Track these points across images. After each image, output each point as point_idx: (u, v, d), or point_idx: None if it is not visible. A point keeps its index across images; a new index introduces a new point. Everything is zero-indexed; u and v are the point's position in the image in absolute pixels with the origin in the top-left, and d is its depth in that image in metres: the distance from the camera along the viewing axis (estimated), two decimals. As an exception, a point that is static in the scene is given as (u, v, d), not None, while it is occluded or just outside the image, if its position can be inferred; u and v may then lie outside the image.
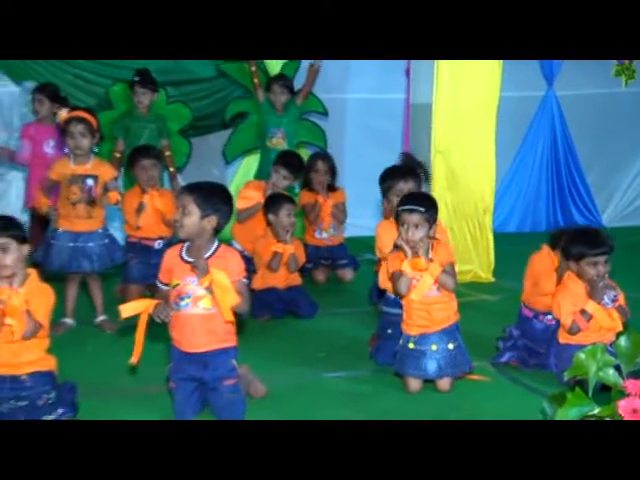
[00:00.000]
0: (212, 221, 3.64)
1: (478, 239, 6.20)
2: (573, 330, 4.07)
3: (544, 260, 4.47)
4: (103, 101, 6.48)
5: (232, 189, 6.28)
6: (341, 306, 5.62)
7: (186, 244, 3.71)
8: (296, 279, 5.46)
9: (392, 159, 6.78)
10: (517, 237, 7.63)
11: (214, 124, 7.05)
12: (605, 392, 2.26)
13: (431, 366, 4.03)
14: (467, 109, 6.02)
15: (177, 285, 3.64)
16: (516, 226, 8.11)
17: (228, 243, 4.71)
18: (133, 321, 3.66)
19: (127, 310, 3.64)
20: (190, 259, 3.63)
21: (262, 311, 5.19)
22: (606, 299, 4.04)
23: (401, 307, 4.14)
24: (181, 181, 6.22)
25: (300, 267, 5.50)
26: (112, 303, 4.86)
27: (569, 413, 2.19)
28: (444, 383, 4.06)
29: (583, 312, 4.04)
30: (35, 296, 3.51)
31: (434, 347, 4.04)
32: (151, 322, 3.62)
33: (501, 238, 6.55)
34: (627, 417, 2.15)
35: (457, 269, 5.91)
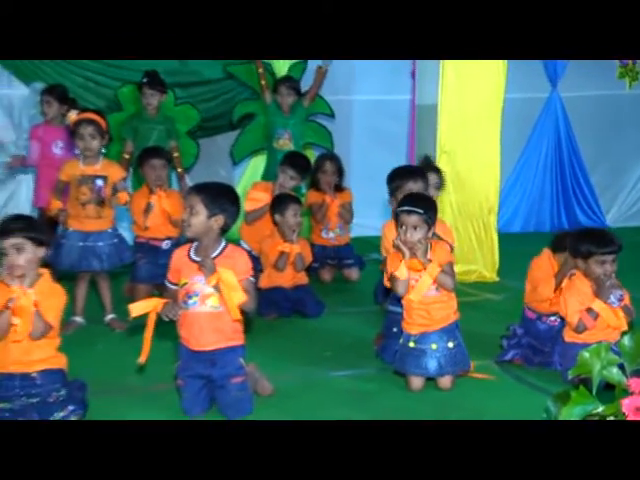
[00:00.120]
0: (219, 220, 3.64)
1: (483, 239, 6.20)
2: (579, 328, 4.06)
3: (543, 265, 4.47)
4: (112, 103, 6.50)
5: (239, 190, 6.28)
6: (347, 305, 5.63)
7: (194, 244, 3.72)
8: (303, 278, 5.46)
9: (398, 160, 6.82)
10: (521, 237, 7.62)
11: (222, 125, 7.06)
12: (609, 391, 2.26)
13: (431, 365, 4.03)
14: (472, 110, 6.01)
15: (185, 284, 3.65)
16: (520, 226, 8.11)
17: (236, 243, 4.72)
18: (142, 320, 3.67)
19: (136, 309, 3.65)
20: (198, 258, 3.63)
21: (269, 310, 5.20)
22: (612, 298, 4.03)
23: (405, 306, 4.15)
24: (189, 182, 6.23)
25: (307, 266, 5.50)
26: (121, 302, 4.89)
27: (573, 411, 2.18)
28: (445, 381, 4.06)
29: (590, 311, 4.03)
30: (46, 297, 3.52)
31: (434, 346, 4.04)
32: (159, 321, 3.63)
33: (505, 238, 6.55)
34: (630, 415, 2.14)
35: (462, 269, 6.03)
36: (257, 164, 7.02)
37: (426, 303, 4.03)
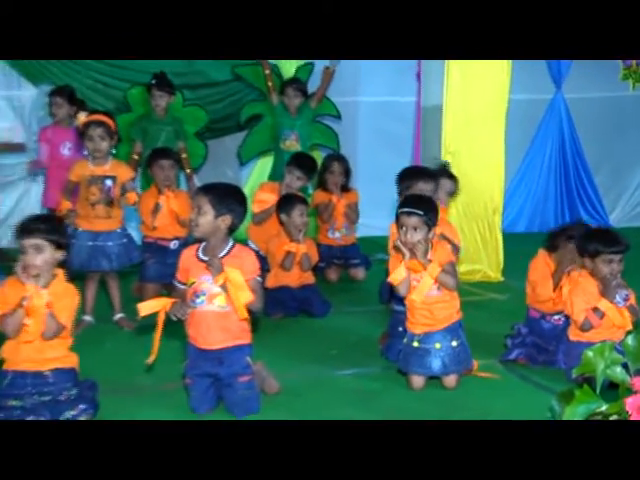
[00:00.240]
0: (226, 220, 3.65)
1: (487, 239, 6.19)
2: (585, 327, 4.06)
3: (539, 267, 4.46)
4: (121, 104, 6.51)
5: (246, 190, 6.29)
6: (353, 305, 5.62)
7: (202, 244, 3.72)
8: (309, 278, 5.46)
9: (403, 160, 6.82)
10: (526, 237, 7.60)
11: (229, 126, 7.06)
12: (613, 390, 2.25)
13: (435, 364, 4.03)
14: (477, 111, 6.01)
15: (193, 283, 3.66)
16: (525, 226, 8.09)
17: (244, 243, 4.72)
18: (150, 319, 3.67)
19: (145, 309, 3.66)
20: (205, 258, 3.64)
21: (275, 309, 5.20)
22: (618, 298, 4.04)
23: (410, 306, 4.14)
24: (197, 182, 6.23)
25: (313, 266, 5.50)
26: (129, 301, 4.89)
27: (577, 410, 2.18)
28: (450, 380, 4.06)
29: (595, 309, 4.04)
30: (60, 297, 3.53)
31: (438, 345, 4.04)
32: (168, 320, 3.64)
33: (510, 238, 6.54)
34: (634, 414, 2.14)
35: (467, 268, 6.02)
36: (264, 165, 7.02)
37: (428, 303, 4.02)
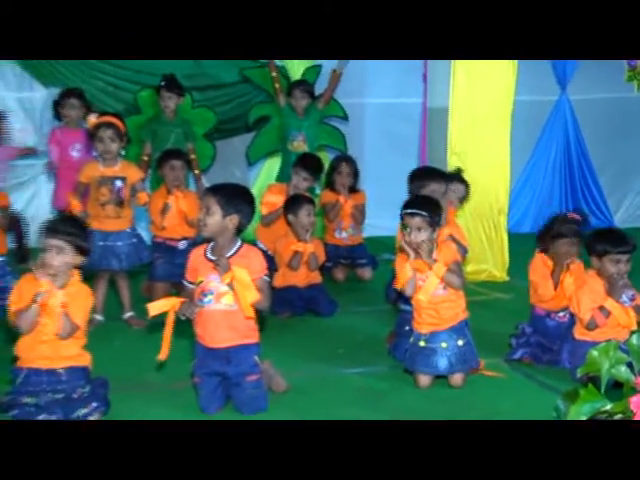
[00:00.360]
0: (234, 220, 3.65)
1: (493, 239, 6.19)
2: (591, 326, 4.06)
3: (538, 268, 4.46)
4: (130, 106, 6.51)
5: (254, 190, 6.28)
6: (360, 304, 5.62)
7: (211, 244, 3.73)
8: (316, 277, 5.46)
9: (410, 161, 6.82)
10: (531, 237, 7.50)
11: (238, 127, 7.07)
12: (617, 389, 2.24)
13: (442, 363, 4.03)
14: (482, 112, 6.00)
15: (201, 282, 3.66)
16: (530, 226, 8.04)
17: (252, 243, 4.72)
18: (159, 317, 3.68)
19: (154, 308, 3.67)
20: (213, 257, 3.64)
21: (283, 308, 5.20)
22: (624, 297, 4.05)
23: (417, 305, 4.14)
24: (205, 183, 6.24)
25: (320, 266, 5.50)
26: (139, 300, 4.90)
27: (582, 409, 2.17)
28: (457, 379, 4.06)
29: (602, 309, 4.05)
30: (75, 298, 3.54)
31: (444, 344, 4.04)
32: (176, 319, 3.64)
33: (515, 238, 6.53)
34: (638, 413, 2.13)
35: (472, 268, 6.01)
36: (272, 165, 7.02)
37: (435, 303, 4.02)
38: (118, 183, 4.87)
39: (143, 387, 4.04)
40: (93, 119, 4.87)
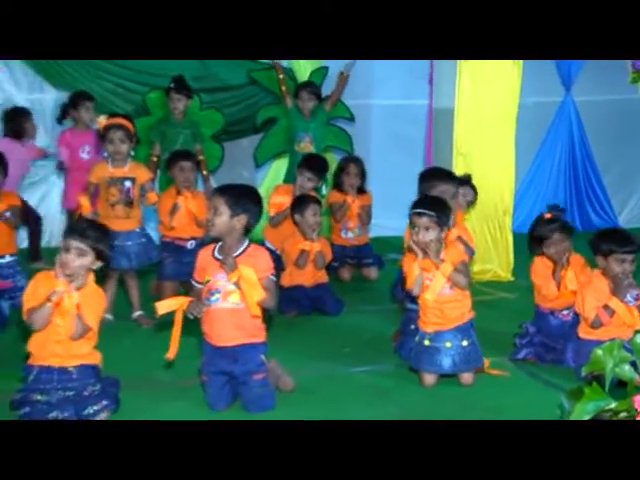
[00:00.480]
0: (242, 220, 3.66)
1: (498, 239, 6.19)
2: (595, 324, 4.07)
3: (539, 270, 4.46)
4: (139, 107, 6.53)
5: (262, 191, 6.29)
6: (366, 303, 5.62)
7: (219, 244, 3.73)
8: (323, 277, 5.46)
9: (416, 162, 6.82)
10: (535, 238, 7.56)
11: (245, 129, 7.08)
12: (621, 388, 2.24)
13: (446, 362, 4.03)
14: (488, 113, 6.00)
15: (208, 281, 3.67)
16: (535, 227, 8.05)
17: (260, 243, 4.73)
18: (168, 316, 3.69)
19: (162, 307, 3.68)
20: (220, 257, 3.65)
21: (289, 307, 5.20)
22: (629, 297, 4.06)
23: (423, 304, 4.14)
24: (213, 183, 6.25)
25: (327, 265, 5.50)
26: (148, 299, 4.91)
27: (586, 407, 2.17)
28: (467, 377, 4.06)
29: (606, 307, 4.05)
30: (88, 299, 3.55)
31: (448, 344, 4.04)
32: (185, 318, 3.65)
33: (520, 238, 6.48)
34: (643, 412, 2.13)
35: (478, 268, 6.00)
36: (279, 166, 7.03)
37: (441, 302, 4.02)
38: (127, 184, 4.89)
39: (152, 385, 4.05)
40: (103, 120, 4.89)
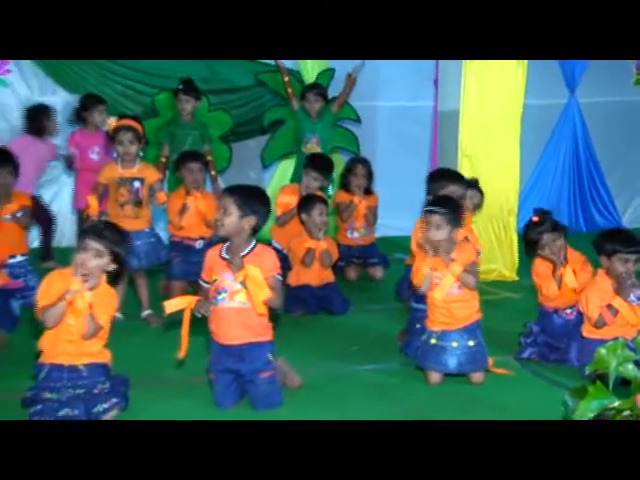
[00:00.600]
0: (251, 221, 3.67)
1: (502, 239, 6.18)
2: (599, 324, 4.06)
3: (540, 271, 4.46)
4: (148, 109, 6.54)
5: (269, 192, 6.30)
6: (372, 302, 5.62)
7: (226, 243, 3.74)
8: (329, 276, 5.47)
9: (421, 163, 6.82)
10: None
11: (253, 130, 7.08)
12: (625, 386, 2.24)
13: (451, 362, 4.03)
14: (493, 115, 5.99)
15: (215, 281, 3.68)
16: (539, 227, 8.03)
17: (268, 243, 4.73)
18: (177, 315, 3.69)
19: (171, 306, 3.68)
20: (228, 256, 3.66)
21: (296, 306, 5.21)
22: (632, 297, 4.06)
23: (429, 304, 4.14)
24: (221, 184, 6.26)
25: (333, 265, 5.51)
26: (157, 299, 4.92)
27: (590, 406, 2.17)
28: (478, 376, 4.07)
29: (609, 307, 4.05)
30: (101, 299, 3.56)
31: (455, 344, 4.03)
32: (192, 317, 3.66)
33: (525, 238, 6.51)
34: (646, 410, 2.13)
35: (482, 268, 5.98)
36: (286, 167, 7.03)
37: (448, 302, 4.02)
38: (136, 184, 4.90)
39: (161, 382, 4.06)
40: (113, 122, 4.90)
